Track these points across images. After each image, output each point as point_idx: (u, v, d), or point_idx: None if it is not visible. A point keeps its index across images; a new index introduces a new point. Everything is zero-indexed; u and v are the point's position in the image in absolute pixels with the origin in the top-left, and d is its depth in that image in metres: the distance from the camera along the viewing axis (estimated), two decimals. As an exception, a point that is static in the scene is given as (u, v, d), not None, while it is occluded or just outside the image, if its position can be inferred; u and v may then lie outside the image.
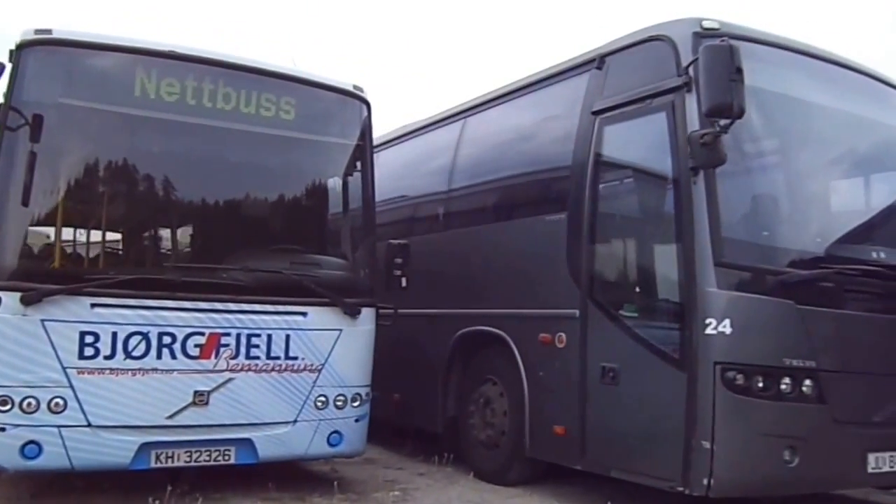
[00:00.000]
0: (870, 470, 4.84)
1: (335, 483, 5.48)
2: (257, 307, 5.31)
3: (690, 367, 4.62)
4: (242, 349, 5.26)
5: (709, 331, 4.54)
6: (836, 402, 4.67)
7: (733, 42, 4.52)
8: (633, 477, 4.99)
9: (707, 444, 4.49)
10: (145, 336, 4.93)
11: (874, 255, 5.06)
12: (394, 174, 7.86)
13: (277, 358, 5.37)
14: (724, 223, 4.63)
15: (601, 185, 5.46)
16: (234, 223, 5.67)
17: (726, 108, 4.37)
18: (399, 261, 6.28)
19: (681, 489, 4.64)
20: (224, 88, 5.43)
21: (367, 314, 5.77)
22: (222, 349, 5.18)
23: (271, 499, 5.37)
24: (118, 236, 5.80)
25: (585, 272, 5.45)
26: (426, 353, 6.94)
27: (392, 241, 6.22)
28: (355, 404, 5.67)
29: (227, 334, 5.21)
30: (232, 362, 5.20)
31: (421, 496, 5.74)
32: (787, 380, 4.52)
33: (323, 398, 5.52)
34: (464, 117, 7.24)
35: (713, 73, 4.41)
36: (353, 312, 5.59)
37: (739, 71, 4.40)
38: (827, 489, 5.10)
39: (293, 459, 5.53)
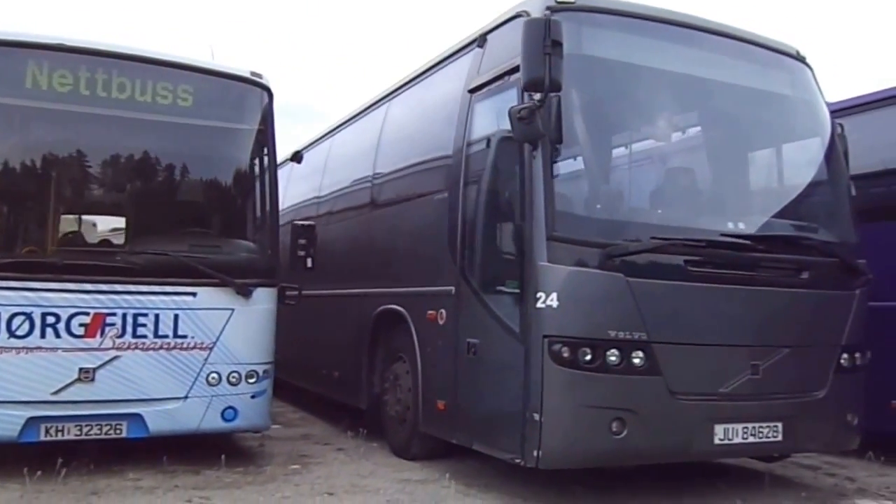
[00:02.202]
0: (717, 441, 4.75)
1: (222, 456, 5.68)
2: (144, 288, 5.58)
3: (526, 341, 4.63)
4: (129, 328, 5.55)
5: (539, 304, 4.56)
6: (673, 373, 4.61)
7: (555, 16, 4.51)
8: (489, 450, 5.06)
9: (537, 417, 4.51)
10: (28, 316, 5.28)
11: (730, 225, 4.91)
12: (343, 158, 8.11)
13: (165, 336, 5.65)
14: (559, 197, 4.61)
15: (470, 163, 5.50)
16: (128, 207, 5.99)
17: (540, 82, 4.36)
18: (303, 241, 6.48)
19: (518, 461, 4.68)
20: (119, 78, 5.74)
21: (265, 294, 5.99)
22: (108, 328, 5.49)
23: (166, 471, 5.64)
24: (4, 221, 6.05)
25: (458, 249, 5.51)
26: (353, 332, 7.13)
27: (297, 222, 6.42)
28: (251, 381, 5.90)
29: (113, 314, 5.51)
30: (118, 341, 5.51)
31: (317, 469, 5.93)
32: (614, 352, 4.48)
33: (215, 375, 5.77)
34: (388, 101, 7.36)
35: (529, 48, 4.43)
36: (244, 292, 5.79)
37: (556, 44, 4.39)
38: (664, 460, 5.01)
39: (186, 434, 5.77)
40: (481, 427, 5.16)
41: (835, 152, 5.70)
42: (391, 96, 7.26)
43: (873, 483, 5.92)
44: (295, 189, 9.47)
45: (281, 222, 9.02)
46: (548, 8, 4.87)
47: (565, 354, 4.47)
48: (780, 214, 5.43)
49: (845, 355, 5.24)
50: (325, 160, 8.69)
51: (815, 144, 5.74)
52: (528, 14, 4.89)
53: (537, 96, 4.45)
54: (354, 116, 8.17)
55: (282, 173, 9.87)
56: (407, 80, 6.95)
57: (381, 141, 7.21)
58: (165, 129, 5.97)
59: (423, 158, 6.29)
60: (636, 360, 4.53)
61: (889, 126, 7.05)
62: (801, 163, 5.71)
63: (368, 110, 7.78)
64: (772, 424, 4.95)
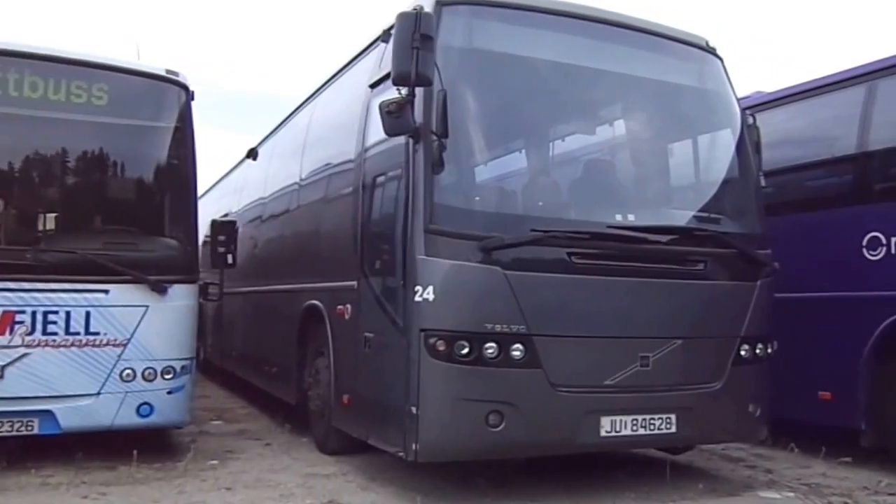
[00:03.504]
0: (603, 434, 4.74)
1: (134, 452, 5.73)
2: (54, 286, 5.63)
3: (407, 335, 4.65)
4: (38, 326, 5.61)
5: (417, 298, 4.57)
6: (554, 366, 4.60)
7: (445, 10, 4.55)
8: (381, 444, 5.08)
9: (415, 410, 4.53)
10: (-66, 315, 5.33)
11: (618, 217, 4.89)
12: (281, 156, 8.19)
13: (77, 334, 5.70)
14: (438, 190, 4.61)
15: (368, 159, 5.52)
16: (42, 206, 6.04)
17: (407, 75, 4.36)
18: (223, 238, 6.52)
19: (401, 455, 4.70)
20: (31, 77, 5.79)
21: (182, 290, 6.04)
22: (17, 326, 5.55)
23: (81, 468, 5.69)
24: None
25: (358, 244, 5.54)
26: (285, 328, 7.18)
27: (216, 219, 6.46)
28: (167, 377, 5.95)
29: (22, 312, 5.57)
30: (28, 338, 5.56)
31: (233, 465, 5.97)
32: (491, 345, 4.47)
33: (130, 371, 5.82)
34: (314, 99, 7.40)
35: (398, 41, 4.43)
36: (159, 289, 5.84)
37: (426, 38, 4.39)
38: (548, 453, 5.01)
39: (100, 430, 5.82)
40: (375, 421, 5.19)
41: (743, 144, 5.65)
42: (316, 95, 7.28)
43: (789, 475, 5.89)
44: (250, 187, 9.53)
45: (240, 221, 9.19)
46: (438, 3, 4.85)
47: (441, 348, 4.48)
48: (678, 206, 5.44)
49: (745, 346, 5.20)
50: (270, 158, 8.74)
51: (722, 136, 5.71)
52: (421, 8, 4.87)
53: (405, 90, 4.43)
54: (290, 115, 8.19)
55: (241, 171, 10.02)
56: (328, 77, 6.97)
57: (307, 140, 7.25)
58: (80, 128, 6.02)
59: (337, 155, 6.30)
60: (515, 353, 4.51)
61: (797, 121, 7.04)
62: (706, 154, 5.67)
63: (299, 109, 7.81)
64: (664, 416, 4.93)
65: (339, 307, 5.80)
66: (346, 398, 5.63)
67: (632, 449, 5.35)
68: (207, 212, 11.39)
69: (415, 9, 4.47)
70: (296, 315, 6.75)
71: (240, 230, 9.18)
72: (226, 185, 11.72)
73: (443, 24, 4.79)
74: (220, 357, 10.66)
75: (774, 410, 6.47)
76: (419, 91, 4.65)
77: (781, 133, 7.12)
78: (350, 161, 5.90)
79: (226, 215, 10.53)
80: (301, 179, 7.21)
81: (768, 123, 6.98)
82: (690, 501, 5.02)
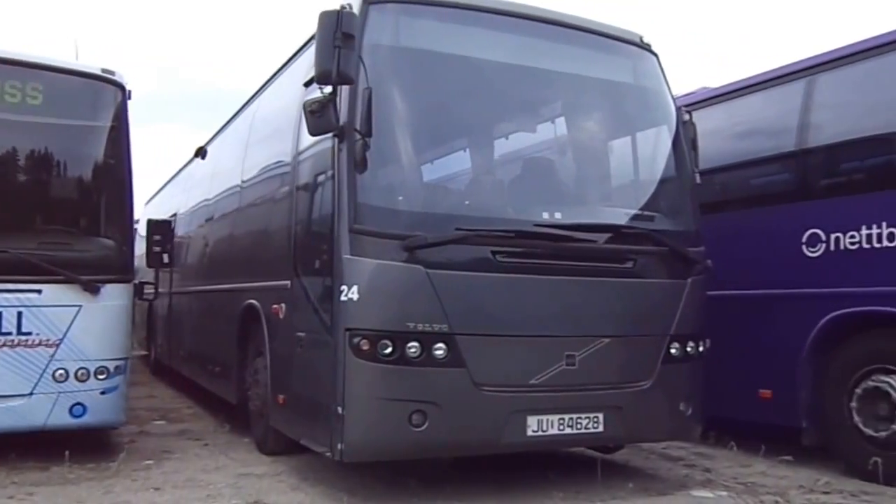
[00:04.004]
0: (530, 433, 4.72)
1: (66, 452, 5.66)
2: (-17, 286, 5.55)
3: (334, 335, 4.62)
4: (-30, 326, 5.50)
5: (342, 297, 4.54)
6: (478, 365, 4.57)
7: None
8: (311, 444, 5.04)
9: (340, 410, 4.50)
10: None
11: (545, 215, 4.86)
12: (226, 155, 8.13)
13: (9, 334, 5.64)
14: (362, 190, 4.57)
15: (300, 157, 5.48)
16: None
17: (329, 74, 4.33)
18: (158, 238, 6.46)
19: (329, 454, 4.67)
20: (-38, 77, 5.68)
21: (116, 290, 5.98)
22: (-54, 326, 5.45)
23: (14, 468, 5.62)
24: None
25: (292, 243, 5.50)
26: (226, 327, 7.12)
27: (152, 218, 6.40)
28: (101, 377, 5.89)
29: (-48, 312, 5.47)
30: (-41, 339, 5.46)
31: (168, 465, 5.92)
32: (414, 344, 4.45)
33: (62, 371, 5.75)
34: (257, 98, 7.34)
35: (320, 40, 4.39)
36: (92, 289, 5.77)
37: (348, 37, 4.36)
38: (473, 453, 4.99)
39: (32, 431, 5.74)
40: (306, 421, 5.16)
41: (678, 141, 5.65)
42: (258, 93, 7.23)
43: (728, 474, 5.90)
44: (198, 186, 9.47)
45: (189, 220, 9.13)
46: (365, 1, 4.82)
47: (365, 347, 4.45)
48: (608, 203, 5.44)
49: (675, 344, 5.19)
50: (216, 157, 8.68)
51: (657, 133, 5.71)
52: (343, 7, 4.82)
53: (328, 89, 4.40)
54: (236, 114, 8.13)
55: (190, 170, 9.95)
56: (270, 76, 6.91)
57: (249, 140, 7.20)
58: (14, 128, 5.95)
59: (275, 155, 6.25)
60: (437, 353, 4.49)
61: (740, 117, 7.06)
62: (639, 151, 5.65)
63: (244, 107, 7.76)
64: (592, 415, 4.91)
65: (275, 306, 5.76)
66: (281, 398, 5.60)
67: (559, 448, 5.32)
68: (159, 211, 11.40)
69: (344, 7, 4.42)
70: (236, 314, 6.70)
71: (188, 230, 9.19)
72: (176, 184, 11.64)
73: (369, 23, 4.76)
74: (168, 357, 10.59)
75: (716, 409, 6.51)
76: (345, 90, 4.62)
77: (725, 129, 7.15)
78: (287, 161, 5.85)
79: (174, 215, 10.47)
80: (243, 179, 7.16)
81: (712, 120, 7.03)
82: (621, 501, 5.00)
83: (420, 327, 4.46)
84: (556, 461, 5.96)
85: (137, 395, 9.69)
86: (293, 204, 5.50)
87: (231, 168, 7.66)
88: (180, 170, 11.54)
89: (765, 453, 6.33)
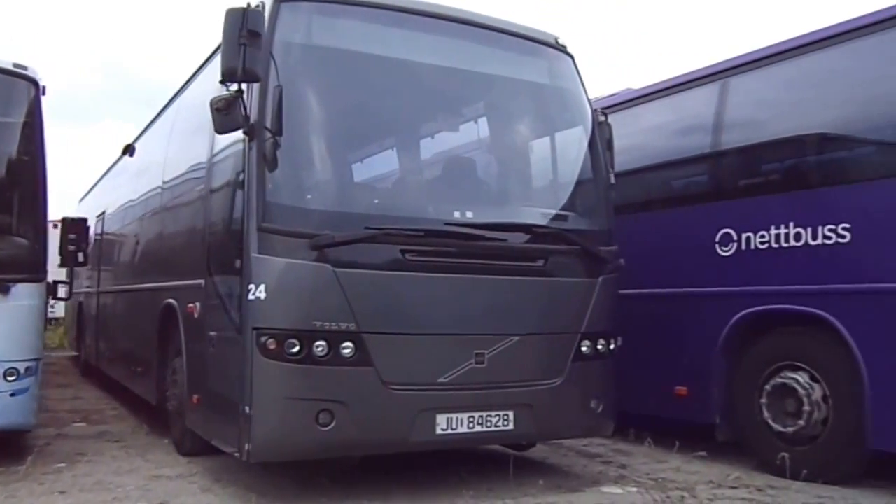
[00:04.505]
0: (439, 432, 4.74)
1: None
2: None
3: (242, 334, 4.57)
4: None
5: (250, 296, 4.51)
6: (386, 364, 4.57)
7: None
8: (221, 444, 4.99)
9: (248, 410, 4.46)
10: None
11: (456, 214, 4.89)
12: (149, 153, 8.02)
13: (-85, 335, 5.44)
14: (271, 188, 4.54)
15: (215, 156, 5.43)
16: None
17: (234, 71, 4.30)
18: (73, 237, 6.32)
19: (237, 455, 4.63)
20: None
21: (27, 290, 5.85)
22: None
23: None
24: None
25: (206, 241, 5.45)
26: (146, 326, 7.01)
27: (67, 217, 6.27)
28: (11, 379, 5.76)
29: None
30: None
31: (81, 468, 5.80)
32: (321, 343, 4.43)
33: (-30, 373, 5.57)
34: (179, 96, 7.23)
35: (227, 37, 4.36)
36: (1, 289, 5.63)
37: (254, 34, 4.32)
38: (382, 451, 5.00)
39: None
40: (217, 421, 5.10)
41: (593, 141, 5.72)
42: (182, 90, 7.13)
43: (643, 470, 6.00)
44: (125, 184, 9.31)
45: (115, 219, 8.95)
46: None
47: (272, 346, 4.42)
48: (521, 203, 5.49)
49: (586, 342, 5.26)
50: (142, 154, 8.55)
51: (571, 133, 5.78)
52: (249, 5, 4.78)
53: (235, 86, 4.36)
54: (161, 110, 8.01)
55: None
56: (192, 73, 6.82)
57: (171, 137, 7.11)
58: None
59: (194, 151, 6.17)
60: (345, 352, 4.49)
61: (659, 118, 7.19)
62: (553, 152, 5.72)
63: (168, 105, 7.64)
64: (502, 413, 4.95)
65: (190, 306, 5.70)
66: (196, 398, 5.54)
67: (470, 446, 5.35)
68: (90, 209, 11.17)
69: (250, 4, 4.39)
70: (156, 314, 6.61)
71: (115, 228, 9.03)
72: (106, 182, 11.44)
73: (281, 20, 4.74)
74: (96, 358, 10.39)
75: (635, 406, 6.65)
76: (256, 87, 4.59)
77: (645, 130, 7.28)
78: (204, 159, 5.79)
79: (103, 213, 10.29)
80: (164, 176, 7.06)
81: (633, 121, 7.15)
82: (531, 498, 5.05)
83: (327, 326, 4.45)
84: (471, 458, 5.99)
85: (62, 397, 9.51)
86: (207, 202, 5.45)
87: (154, 165, 7.55)
88: (111, 167, 11.33)
89: (680, 449, 6.44)
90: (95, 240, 10.61)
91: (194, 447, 6.00)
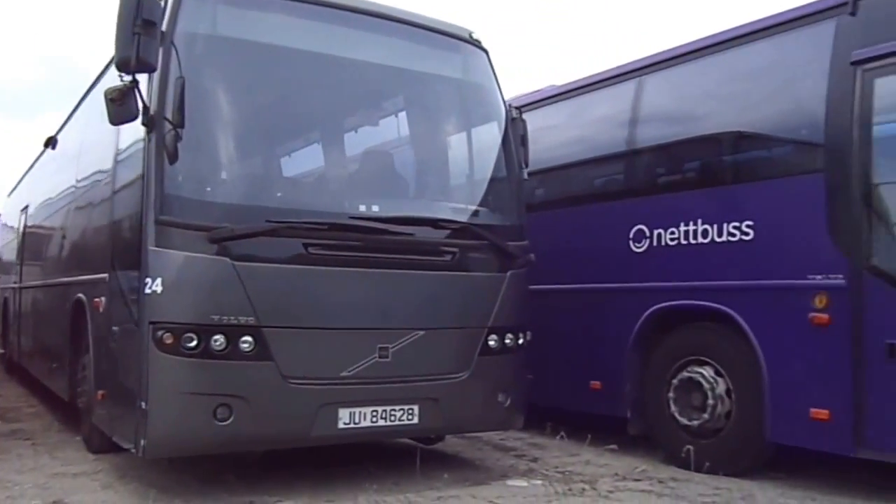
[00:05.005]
0: (341, 426, 4.73)
1: None
2: None
3: (140, 328, 4.50)
4: None
5: (147, 290, 4.44)
6: (286, 358, 4.54)
7: None
8: (120, 440, 4.90)
9: (144, 405, 4.39)
10: None
11: (362, 208, 4.88)
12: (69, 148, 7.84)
13: None
14: (169, 180, 4.48)
15: (122, 147, 5.33)
16: None
17: (128, 61, 4.22)
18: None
19: (134, 451, 4.56)
20: None
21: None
22: None
23: None
24: None
25: (110, 235, 5.35)
26: (60, 321, 6.87)
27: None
28: None
29: None
30: None
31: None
32: (219, 338, 4.38)
33: None
34: (97, 87, 7.07)
35: (120, 25, 4.27)
36: None
37: (149, 24, 4.25)
38: (282, 446, 4.99)
39: None
40: (119, 417, 5.01)
41: (506, 137, 5.75)
42: (96, 82, 6.98)
43: (554, 463, 6.06)
44: (47, 178, 9.09)
45: (38, 213, 8.73)
46: None
47: (168, 341, 4.36)
48: (430, 197, 5.51)
49: (493, 337, 5.29)
50: (62, 146, 8.35)
51: (484, 128, 5.80)
52: None
53: (129, 77, 4.29)
54: (80, 102, 7.82)
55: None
56: (105, 64, 6.67)
57: (86, 129, 6.96)
58: None
59: (103, 145, 6.04)
60: (244, 346, 4.44)
61: (577, 115, 7.28)
62: (465, 146, 5.74)
63: (85, 96, 7.47)
64: (406, 407, 4.95)
65: (96, 300, 5.60)
66: (100, 394, 5.45)
67: (374, 440, 5.35)
68: (16, 203, 10.90)
69: None
70: (67, 308, 6.48)
71: (36, 222, 8.83)
72: (31, 175, 11.16)
73: (184, 10, 4.68)
74: (18, 354, 10.14)
75: (552, 400, 6.73)
76: (156, 78, 4.53)
77: (564, 127, 7.36)
78: (111, 152, 5.68)
79: (26, 207, 10.05)
80: (78, 168, 6.92)
81: (553, 118, 7.23)
82: (435, 491, 5.06)
83: (225, 320, 4.41)
84: (383, 452, 6.00)
85: (-18, 395, 9.27)
86: (113, 196, 5.35)
87: (71, 158, 7.39)
88: (35, 160, 11.07)
89: (592, 443, 6.54)
90: (21, 234, 10.38)
91: (102, 444, 5.89)
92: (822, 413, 4.98)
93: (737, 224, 5.62)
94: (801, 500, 5.05)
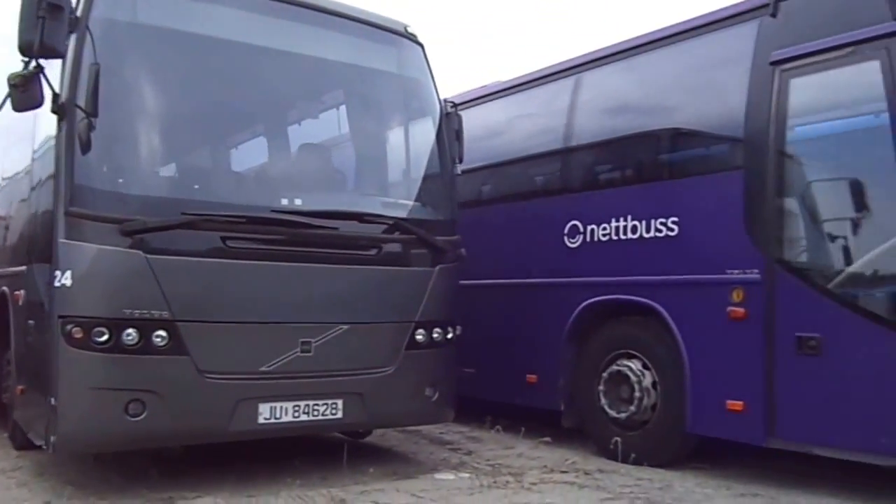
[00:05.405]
0: (262, 421, 4.69)
1: None
2: None
3: (50, 322, 4.41)
4: None
5: (56, 283, 4.35)
6: (203, 353, 4.49)
7: None
8: (34, 436, 4.82)
9: (54, 401, 4.31)
10: None
11: (284, 202, 4.83)
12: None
13: None
14: (82, 170, 4.39)
15: (38, 139, 5.22)
16: None
17: (31, 46, 4.12)
18: None
19: (45, 447, 4.47)
20: None
21: None
22: None
23: None
24: None
25: (27, 226, 5.25)
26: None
27: None
28: None
29: None
30: None
31: None
32: (130, 332, 4.31)
33: None
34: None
35: (23, 9, 4.15)
36: None
37: (55, 8, 4.15)
38: (199, 441, 4.90)
39: None
40: (32, 413, 4.93)
41: (440, 132, 5.74)
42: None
43: (486, 456, 6.09)
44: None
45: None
46: None
47: (77, 335, 4.28)
48: (356, 191, 5.50)
49: (421, 331, 5.28)
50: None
51: (416, 123, 5.78)
52: None
53: (33, 63, 4.20)
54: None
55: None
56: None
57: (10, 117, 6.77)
58: None
59: (24, 133, 5.91)
60: (157, 340, 4.38)
61: (517, 111, 7.30)
62: (396, 141, 5.73)
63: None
64: (330, 402, 4.93)
65: (16, 293, 5.48)
66: (20, 389, 5.33)
67: (297, 435, 5.31)
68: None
69: None
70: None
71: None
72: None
73: None
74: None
75: (490, 393, 6.77)
76: (68, 65, 4.44)
77: (505, 123, 7.38)
78: (31, 143, 5.56)
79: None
80: (3, 159, 6.76)
81: (495, 113, 7.24)
82: (360, 486, 5.05)
83: (137, 314, 4.34)
84: (316, 447, 5.98)
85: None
86: (31, 187, 5.24)
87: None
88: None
89: (529, 436, 6.58)
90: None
91: (24, 440, 5.76)
92: (737, 405, 5.07)
93: (663, 220, 5.68)
94: (716, 488, 5.13)
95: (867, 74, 4.59)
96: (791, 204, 4.97)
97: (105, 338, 4.31)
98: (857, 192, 4.68)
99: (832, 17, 4.88)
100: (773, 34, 5.15)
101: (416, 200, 5.52)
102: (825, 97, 4.96)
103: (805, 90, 4.93)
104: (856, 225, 4.71)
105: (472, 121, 7.28)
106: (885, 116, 4.50)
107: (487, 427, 7.14)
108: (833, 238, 4.86)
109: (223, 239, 4.60)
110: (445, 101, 5.90)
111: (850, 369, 4.56)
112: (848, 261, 4.76)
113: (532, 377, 6.71)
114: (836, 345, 4.63)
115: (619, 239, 6.03)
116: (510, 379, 6.91)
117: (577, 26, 27.73)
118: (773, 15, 5.15)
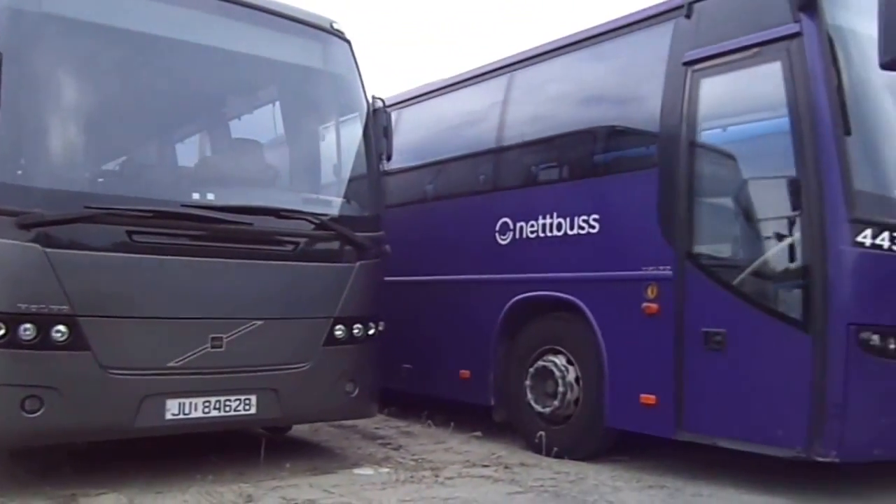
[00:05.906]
0: (170, 417, 4.66)
1: None
2: None
3: None
4: None
5: None
6: (106, 348, 4.46)
7: None
8: None
9: None
10: None
11: (195, 196, 4.83)
12: None
13: None
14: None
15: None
16: None
17: None
18: None
19: None
20: None
21: None
22: None
23: None
24: None
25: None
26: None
27: None
28: None
29: None
30: None
31: None
32: (27, 327, 4.26)
33: None
34: None
35: None
36: None
37: None
38: (102, 438, 4.87)
39: None
40: None
41: (366, 128, 5.73)
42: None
43: (414, 451, 6.09)
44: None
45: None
46: None
47: None
48: (274, 187, 5.43)
49: (340, 327, 5.27)
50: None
51: (342, 119, 5.76)
52: None
53: None
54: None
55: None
56: None
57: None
58: None
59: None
60: (56, 336, 4.33)
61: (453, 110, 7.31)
62: (321, 137, 5.71)
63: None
64: (242, 398, 4.91)
65: None
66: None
67: (208, 431, 5.29)
68: None
69: None
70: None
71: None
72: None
73: None
74: None
75: (426, 389, 6.79)
76: None
77: (441, 121, 7.38)
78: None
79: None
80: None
81: (431, 112, 7.24)
82: (277, 481, 5.03)
83: (35, 308, 4.29)
84: (233, 442, 5.96)
85: None
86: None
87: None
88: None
89: (462, 430, 6.60)
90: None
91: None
92: (650, 398, 5.12)
93: (586, 217, 5.72)
94: (627, 481, 5.16)
95: (770, 75, 4.64)
96: (701, 202, 5.00)
97: (1, 333, 4.26)
98: (762, 191, 4.72)
99: (741, 18, 4.93)
100: (687, 35, 5.19)
101: (337, 196, 5.51)
102: (733, 97, 5.01)
103: (715, 90, 4.98)
104: (759, 222, 4.76)
105: (409, 120, 7.35)
106: (786, 117, 4.54)
107: (424, 422, 7.15)
108: (737, 235, 4.92)
109: (129, 233, 4.57)
110: (374, 97, 5.87)
111: (751, 364, 4.61)
112: (750, 258, 4.81)
113: (465, 372, 6.74)
114: (738, 340, 4.67)
115: (546, 236, 6.05)
116: (445, 374, 6.94)
117: (542, 27, 27.74)
118: (688, 16, 5.20)
